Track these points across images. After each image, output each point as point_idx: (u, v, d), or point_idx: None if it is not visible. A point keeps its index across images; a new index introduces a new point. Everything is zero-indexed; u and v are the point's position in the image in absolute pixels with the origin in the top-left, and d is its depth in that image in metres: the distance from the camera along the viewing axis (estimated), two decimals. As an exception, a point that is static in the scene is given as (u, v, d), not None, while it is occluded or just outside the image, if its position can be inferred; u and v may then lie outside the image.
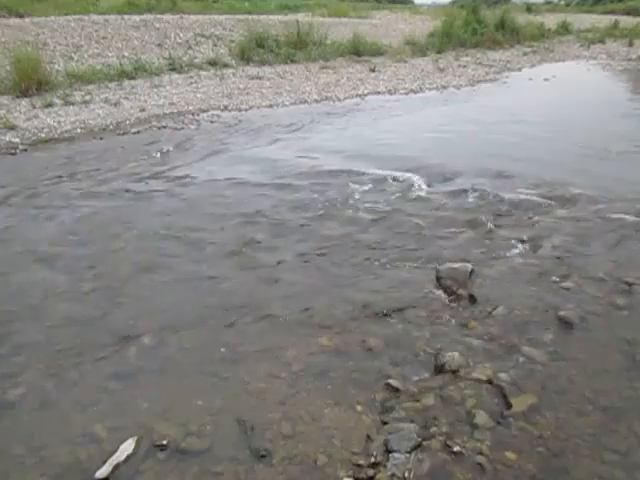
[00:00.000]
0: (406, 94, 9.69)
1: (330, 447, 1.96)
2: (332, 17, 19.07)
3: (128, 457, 1.92)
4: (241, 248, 3.55)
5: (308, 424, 2.06)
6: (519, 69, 13.00)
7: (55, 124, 6.87)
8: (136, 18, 13.48)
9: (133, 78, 9.86)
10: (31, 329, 2.71)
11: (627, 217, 3.87)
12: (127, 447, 1.96)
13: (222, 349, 2.53)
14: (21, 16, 12.43)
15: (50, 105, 7.73)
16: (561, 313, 2.71)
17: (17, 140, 6.19)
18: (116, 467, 1.88)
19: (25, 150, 5.93)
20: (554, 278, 3.08)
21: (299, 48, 13.10)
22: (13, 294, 3.05)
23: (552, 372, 2.32)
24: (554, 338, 2.55)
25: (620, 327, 2.64)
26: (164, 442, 1.98)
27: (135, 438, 2.00)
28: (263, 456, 1.92)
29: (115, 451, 1.94)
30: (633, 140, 6.23)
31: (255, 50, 12.49)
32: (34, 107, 7.60)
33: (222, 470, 1.88)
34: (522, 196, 4.34)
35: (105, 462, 1.90)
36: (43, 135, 6.48)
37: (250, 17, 15.89)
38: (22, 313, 2.86)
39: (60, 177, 5.04)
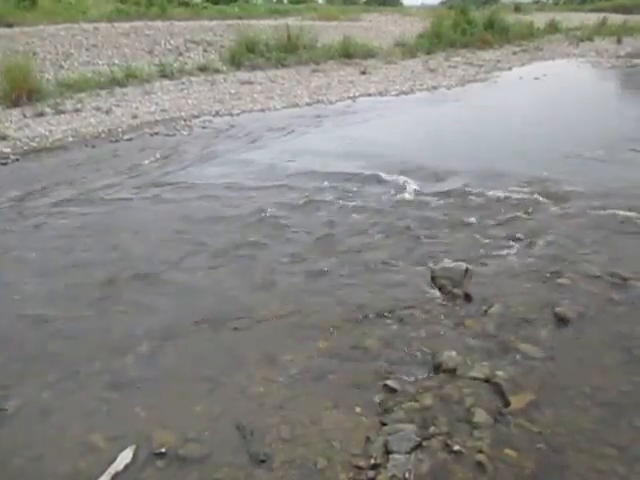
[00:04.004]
0: (397, 95, 9.71)
1: (330, 450, 1.95)
2: (322, 20, 19.11)
3: (127, 466, 1.91)
4: (236, 252, 3.55)
5: (307, 427, 2.06)
6: (509, 68, 13.07)
7: (47, 133, 6.84)
8: (126, 25, 13.45)
9: (124, 85, 9.83)
10: (27, 338, 2.69)
11: (619, 213, 3.89)
12: (126, 456, 1.94)
13: (219, 354, 2.53)
14: (10, 25, 12.39)
15: (41, 114, 7.69)
16: (557, 310, 2.72)
17: (8, 150, 6.15)
18: (115, 476, 1.87)
19: (17, 160, 5.89)
20: (549, 275, 3.09)
21: (290, 52, 13.11)
22: (8, 303, 3.03)
23: (550, 369, 2.32)
24: (551, 335, 2.56)
25: (617, 322, 2.65)
26: (163, 450, 1.97)
27: (133, 446, 1.99)
28: (263, 461, 1.91)
29: (114, 460, 1.93)
30: (623, 137, 6.27)
31: (246, 55, 12.49)
32: (25, 116, 7.56)
33: (222, 476, 1.87)
34: (515, 194, 4.36)
35: (104, 472, 1.88)
36: (35, 144, 6.44)
37: (240, 22, 15.89)
38: (17, 323, 2.84)
39: (53, 186, 5.02)
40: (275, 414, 2.13)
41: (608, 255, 3.30)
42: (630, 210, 3.91)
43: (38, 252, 3.66)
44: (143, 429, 2.08)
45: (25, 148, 6.30)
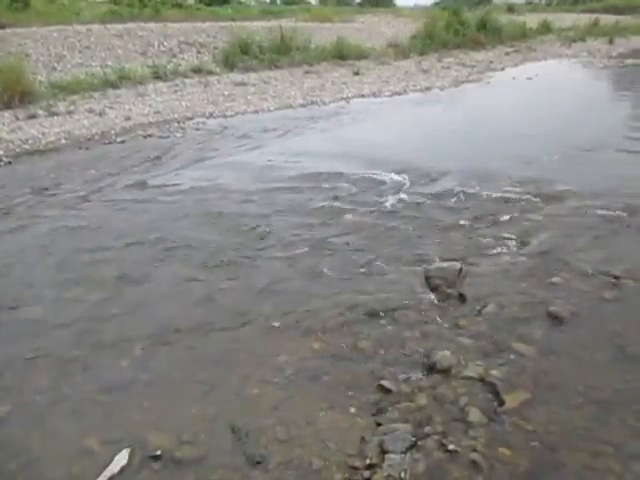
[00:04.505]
0: (390, 96, 9.73)
1: (325, 450, 1.95)
2: (316, 22, 19.14)
3: (122, 469, 1.90)
4: (229, 254, 3.54)
5: (303, 428, 2.06)
6: (502, 69, 13.13)
7: (39, 135, 6.81)
8: (119, 27, 13.43)
9: (117, 87, 9.82)
10: (20, 342, 2.68)
11: (612, 212, 3.92)
12: (121, 459, 1.94)
13: (214, 356, 2.52)
14: (2, 27, 12.34)
15: (34, 116, 7.67)
16: (551, 309, 2.73)
17: (1, 152, 6.12)
18: (110, 479, 1.86)
19: (9, 163, 5.87)
20: (542, 274, 3.10)
21: (283, 53, 13.13)
22: None
23: (544, 367, 2.33)
24: (544, 334, 2.57)
25: (609, 320, 2.66)
26: (158, 452, 1.97)
27: (129, 449, 1.98)
28: (259, 462, 1.91)
29: (109, 463, 1.92)
30: (615, 136, 6.31)
31: (239, 56, 12.50)
32: (17, 119, 7.53)
33: (218, 478, 1.86)
34: (508, 194, 4.37)
35: (99, 475, 1.88)
36: (27, 147, 6.42)
37: (233, 24, 15.90)
38: (10, 326, 2.82)
39: (45, 188, 5.00)
40: (270, 415, 2.13)
41: (600, 254, 3.32)
42: (622, 209, 3.94)
43: (27, 253, 3.65)
44: (138, 432, 2.07)
45: (18, 150, 6.28)
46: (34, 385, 2.37)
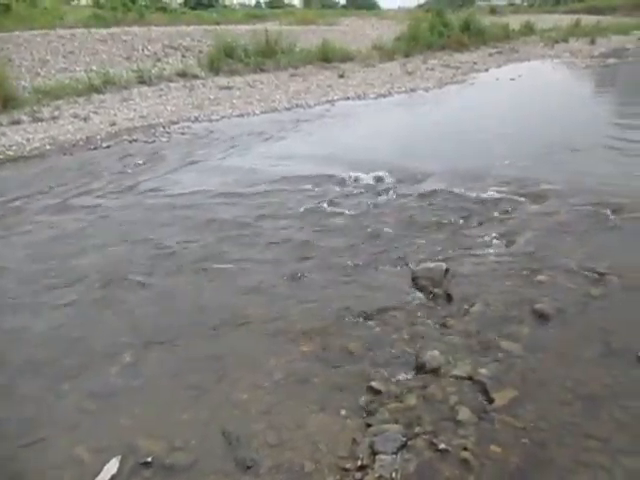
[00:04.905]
0: (375, 98, 9.78)
1: (317, 453, 1.95)
2: (300, 25, 19.16)
3: (113, 477, 1.89)
4: (216, 258, 3.53)
5: (293, 432, 2.06)
6: (486, 70, 13.25)
7: (23, 141, 6.74)
8: (103, 31, 13.33)
9: (102, 92, 9.75)
10: (6, 350, 2.65)
11: (594, 209, 3.96)
12: (111, 467, 1.92)
13: (203, 362, 2.51)
14: (-17, 32, 12.18)
15: (17, 122, 7.59)
16: (537, 306, 2.75)
17: (-16, 160, 6.06)
18: (100, 488, 1.85)
19: (-7, 169, 5.81)
20: (528, 272, 3.13)
21: (268, 57, 13.13)
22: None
23: (531, 365, 2.35)
24: (531, 331, 2.59)
25: (595, 316, 2.69)
26: (149, 459, 1.95)
27: (119, 457, 1.96)
28: (250, 467, 1.91)
29: (99, 472, 1.90)
30: (597, 135, 6.39)
31: (224, 60, 12.47)
32: (1, 125, 7.45)
33: (209, 483, 1.86)
34: (493, 194, 4.41)
35: (89, 483, 1.86)
36: (11, 153, 6.35)
37: (218, 27, 15.86)
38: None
39: (29, 195, 4.95)
40: (261, 419, 2.12)
41: (585, 251, 3.36)
42: (605, 206, 3.98)
43: (9, 261, 3.61)
44: (129, 439, 2.06)
45: (1, 157, 6.21)
46: (22, 393, 2.34)
